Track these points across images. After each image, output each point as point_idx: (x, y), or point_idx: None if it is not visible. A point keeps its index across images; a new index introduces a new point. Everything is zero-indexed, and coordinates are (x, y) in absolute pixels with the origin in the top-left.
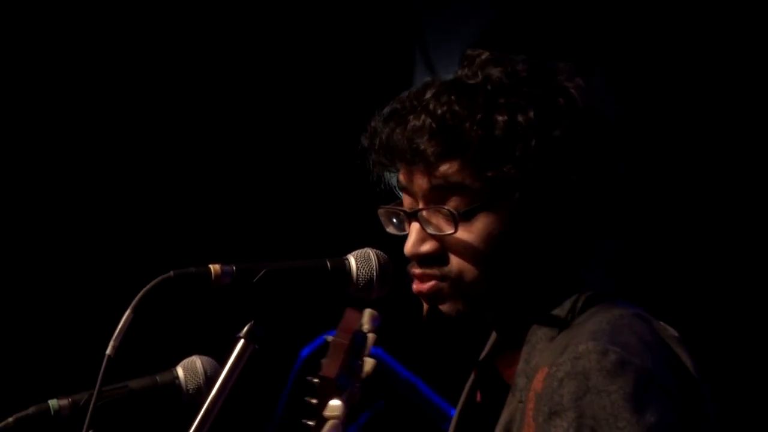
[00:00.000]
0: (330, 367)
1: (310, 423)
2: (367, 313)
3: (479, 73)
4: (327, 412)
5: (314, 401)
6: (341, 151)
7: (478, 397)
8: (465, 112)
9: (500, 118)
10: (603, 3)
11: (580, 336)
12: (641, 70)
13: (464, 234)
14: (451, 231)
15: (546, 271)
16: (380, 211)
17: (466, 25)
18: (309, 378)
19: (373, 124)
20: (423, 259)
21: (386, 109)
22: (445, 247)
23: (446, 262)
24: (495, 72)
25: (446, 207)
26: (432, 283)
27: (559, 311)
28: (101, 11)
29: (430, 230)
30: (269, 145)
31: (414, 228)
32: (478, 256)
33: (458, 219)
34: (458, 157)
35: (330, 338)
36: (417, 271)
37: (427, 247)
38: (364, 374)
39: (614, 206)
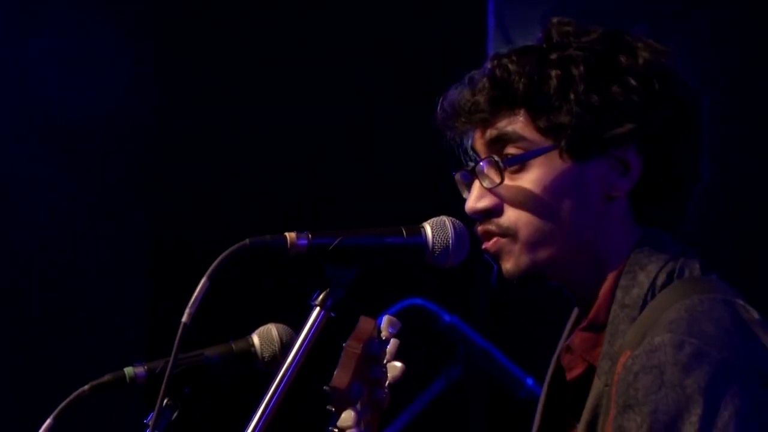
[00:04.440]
0: (341, 377)
1: (332, 430)
2: (386, 319)
3: (545, 35)
4: (340, 423)
5: (332, 409)
6: (414, 122)
7: (569, 375)
8: (516, 68)
9: (553, 72)
10: None
11: (657, 326)
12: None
13: (516, 183)
14: (498, 180)
15: (619, 233)
16: (456, 177)
17: None
18: (324, 387)
19: (450, 91)
20: (483, 215)
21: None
22: (501, 201)
23: (502, 214)
24: (558, 32)
25: (494, 156)
26: (494, 240)
27: (639, 289)
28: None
29: (485, 183)
30: (343, 114)
31: (474, 185)
32: (534, 205)
33: (503, 166)
34: (511, 108)
35: (344, 346)
36: (480, 227)
37: (485, 202)
38: (391, 379)
39: (679, 169)
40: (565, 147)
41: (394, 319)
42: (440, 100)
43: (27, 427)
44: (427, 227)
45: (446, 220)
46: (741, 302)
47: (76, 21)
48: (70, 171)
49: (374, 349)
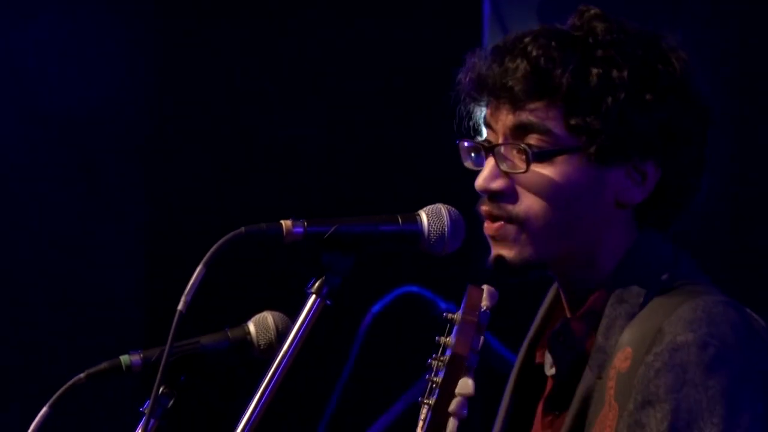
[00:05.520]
0: (462, 345)
1: (428, 402)
2: (486, 289)
3: (585, 26)
4: (459, 390)
5: (436, 379)
6: (409, 108)
7: (538, 358)
8: (560, 58)
9: (594, 70)
10: None
11: (675, 324)
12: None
13: (537, 175)
14: (523, 169)
15: (619, 235)
16: (461, 145)
17: None
18: (433, 358)
19: (473, 59)
20: (492, 196)
21: (489, 47)
22: (515, 187)
23: (515, 201)
24: (599, 26)
25: (523, 144)
26: (499, 224)
27: (639, 287)
28: None
29: (504, 167)
30: (338, 101)
31: (489, 163)
32: (548, 199)
33: (532, 158)
34: (545, 98)
35: (457, 316)
36: (485, 207)
37: (499, 183)
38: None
39: (691, 182)
40: (593, 152)
41: (493, 289)
42: (465, 69)
43: (23, 415)
44: (423, 215)
45: (442, 208)
46: (748, 310)
47: (72, 13)
48: (67, 162)
49: (483, 319)
